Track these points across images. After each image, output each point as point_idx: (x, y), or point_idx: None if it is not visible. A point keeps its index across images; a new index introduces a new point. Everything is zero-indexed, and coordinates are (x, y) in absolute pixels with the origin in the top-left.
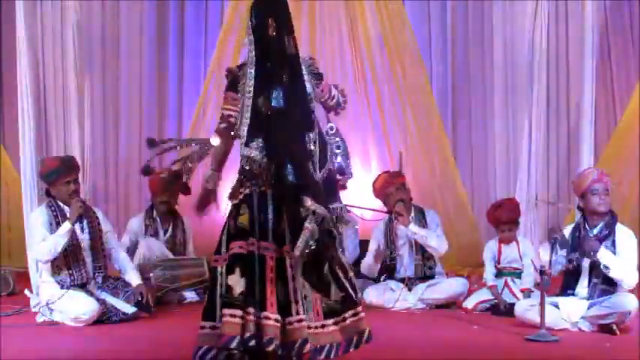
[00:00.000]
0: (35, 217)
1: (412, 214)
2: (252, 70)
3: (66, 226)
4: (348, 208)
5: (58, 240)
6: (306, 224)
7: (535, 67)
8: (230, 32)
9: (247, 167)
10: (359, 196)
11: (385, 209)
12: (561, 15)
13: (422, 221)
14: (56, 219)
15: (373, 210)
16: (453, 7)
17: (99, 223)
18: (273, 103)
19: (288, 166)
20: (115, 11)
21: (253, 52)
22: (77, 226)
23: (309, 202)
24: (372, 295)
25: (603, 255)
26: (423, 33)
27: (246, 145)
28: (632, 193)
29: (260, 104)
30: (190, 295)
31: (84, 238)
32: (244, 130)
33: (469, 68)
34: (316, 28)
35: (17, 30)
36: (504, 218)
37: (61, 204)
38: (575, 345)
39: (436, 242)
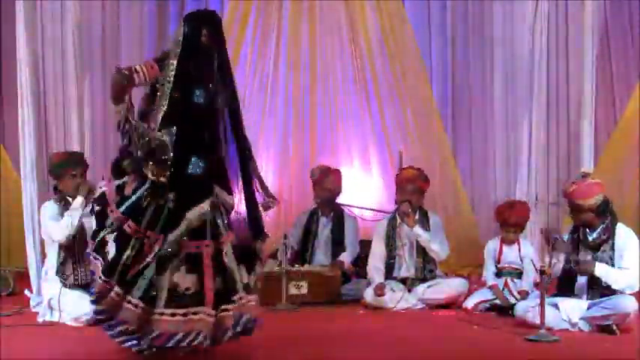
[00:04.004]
0: (45, 210)
1: (417, 217)
2: (175, 65)
3: (78, 200)
4: (348, 207)
5: (73, 214)
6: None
7: (535, 67)
8: (230, 32)
9: (153, 148)
10: (359, 196)
11: (385, 209)
12: (561, 15)
13: (425, 224)
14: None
15: (373, 210)
16: (453, 7)
17: None
18: (195, 100)
19: (193, 159)
20: (115, 11)
21: (178, 50)
22: (86, 221)
23: (216, 190)
24: (373, 295)
25: (600, 273)
26: (423, 33)
27: (159, 130)
28: (632, 193)
29: (178, 98)
30: None
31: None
32: (159, 116)
33: (469, 68)
34: (316, 28)
35: (17, 30)
36: (513, 219)
37: (70, 198)
38: (575, 345)
39: (438, 247)
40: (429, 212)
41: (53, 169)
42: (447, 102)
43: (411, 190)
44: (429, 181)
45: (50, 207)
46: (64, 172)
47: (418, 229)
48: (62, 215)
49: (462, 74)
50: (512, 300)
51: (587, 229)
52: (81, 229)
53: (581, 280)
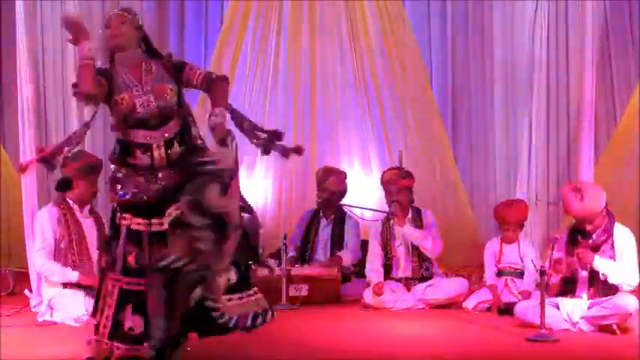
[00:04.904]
0: (42, 216)
1: (409, 215)
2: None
3: (73, 277)
4: (348, 208)
5: (59, 277)
6: None
7: (535, 67)
8: (230, 32)
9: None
10: (359, 196)
11: (385, 210)
12: (561, 15)
13: (418, 222)
14: (65, 217)
15: (373, 210)
16: (452, 7)
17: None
18: None
19: None
20: None
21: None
22: (87, 222)
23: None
24: (372, 295)
25: (599, 265)
26: (423, 33)
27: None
28: (632, 193)
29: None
30: None
31: (90, 234)
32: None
33: (469, 68)
34: (316, 28)
35: (17, 30)
36: (511, 218)
37: (71, 202)
38: (575, 345)
39: (430, 244)
40: (422, 209)
41: (82, 168)
42: (447, 102)
43: (396, 191)
44: (412, 176)
45: (46, 216)
46: (87, 177)
47: (407, 228)
48: (60, 221)
49: (461, 74)
50: (513, 300)
51: (586, 231)
52: (82, 231)
53: (582, 279)
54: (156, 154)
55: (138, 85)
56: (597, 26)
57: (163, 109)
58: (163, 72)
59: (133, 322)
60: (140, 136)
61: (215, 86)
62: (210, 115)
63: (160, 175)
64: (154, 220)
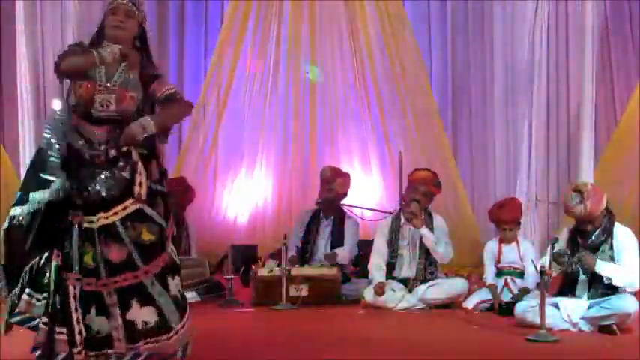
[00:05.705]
0: None
1: (422, 217)
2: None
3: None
4: (348, 207)
5: None
6: None
7: (535, 68)
8: (230, 32)
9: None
10: (359, 196)
11: (385, 209)
12: (561, 15)
13: (429, 226)
14: None
15: (373, 210)
16: (453, 7)
17: None
18: None
19: None
20: None
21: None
22: None
23: None
24: (373, 294)
25: (601, 269)
26: (423, 33)
27: None
28: (632, 193)
29: None
30: (190, 295)
31: None
32: None
33: (469, 68)
34: (316, 28)
35: (17, 30)
36: (506, 218)
37: None
38: (575, 345)
39: (443, 249)
40: (433, 215)
41: None
42: (447, 102)
43: (423, 192)
44: (441, 187)
45: None
46: None
47: (425, 230)
48: None
49: (461, 74)
50: (513, 299)
51: (585, 231)
52: None
53: (582, 279)
54: (97, 151)
55: (104, 81)
56: (597, 26)
57: (122, 114)
58: (136, 77)
59: (98, 324)
60: (87, 130)
61: (172, 103)
62: (141, 119)
63: (97, 174)
64: (100, 215)
